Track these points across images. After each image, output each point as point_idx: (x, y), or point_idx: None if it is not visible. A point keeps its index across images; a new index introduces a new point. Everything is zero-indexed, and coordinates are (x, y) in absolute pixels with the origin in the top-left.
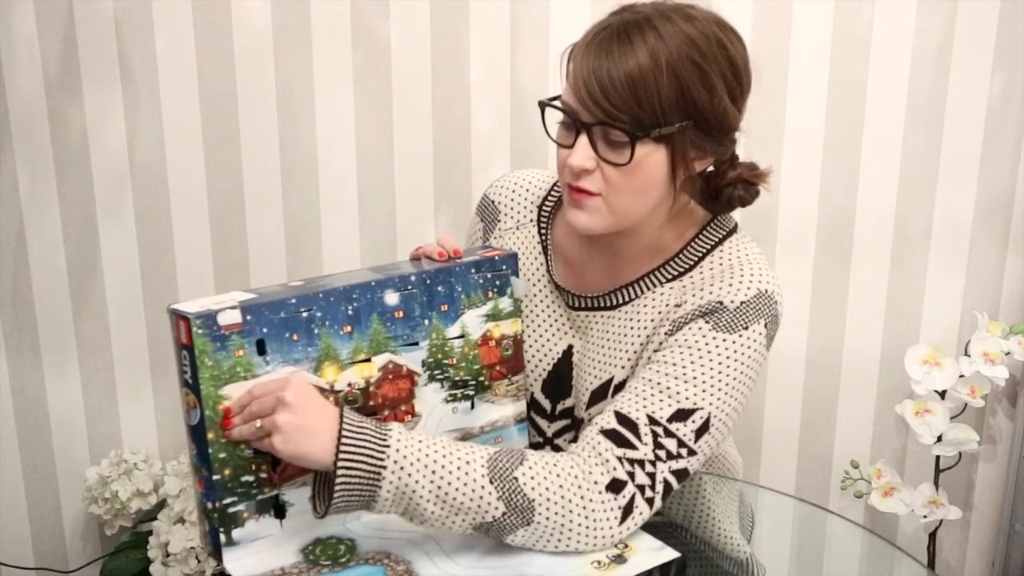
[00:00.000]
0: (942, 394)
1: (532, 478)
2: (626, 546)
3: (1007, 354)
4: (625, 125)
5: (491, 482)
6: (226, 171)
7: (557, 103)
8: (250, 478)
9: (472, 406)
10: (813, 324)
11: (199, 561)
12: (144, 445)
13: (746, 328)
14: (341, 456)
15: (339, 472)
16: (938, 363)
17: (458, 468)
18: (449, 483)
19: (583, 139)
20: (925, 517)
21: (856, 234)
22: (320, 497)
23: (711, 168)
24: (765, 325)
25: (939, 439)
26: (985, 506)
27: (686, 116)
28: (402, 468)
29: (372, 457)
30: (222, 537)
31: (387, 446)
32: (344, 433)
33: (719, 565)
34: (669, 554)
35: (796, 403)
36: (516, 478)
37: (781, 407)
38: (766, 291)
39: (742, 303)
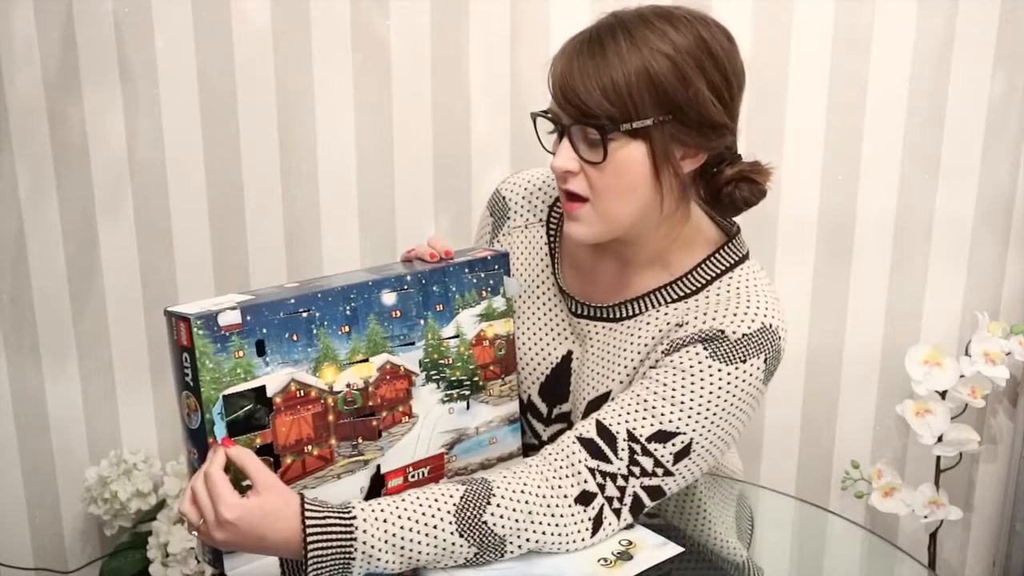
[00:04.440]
0: (943, 394)
1: (501, 516)
2: (631, 543)
3: (1008, 354)
4: (598, 121)
5: (462, 536)
6: (226, 171)
7: (547, 113)
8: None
9: (468, 406)
10: (813, 324)
11: (198, 562)
12: (143, 445)
13: (744, 361)
14: (310, 554)
15: (311, 569)
16: (939, 363)
17: (426, 535)
18: (420, 552)
19: (565, 141)
20: (926, 517)
21: (856, 234)
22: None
23: (712, 170)
24: (765, 360)
25: (940, 439)
26: (986, 506)
27: (663, 111)
28: (371, 556)
29: (340, 550)
30: None
31: (353, 539)
32: (308, 530)
33: (716, 567)
34: (673, 549)
35: (796, 403)
36: (485, 522)
37: (781, 407)
38: (770, 326)
39: (744, 335)
